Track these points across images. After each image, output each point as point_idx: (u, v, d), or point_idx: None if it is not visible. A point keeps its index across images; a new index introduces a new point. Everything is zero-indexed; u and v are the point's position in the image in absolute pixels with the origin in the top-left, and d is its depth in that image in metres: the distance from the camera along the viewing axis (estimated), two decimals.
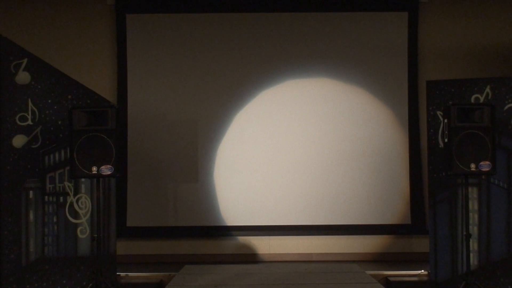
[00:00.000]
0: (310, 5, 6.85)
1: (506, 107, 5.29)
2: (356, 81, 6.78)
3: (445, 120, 4.91)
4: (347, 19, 6.85)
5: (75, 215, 5.21)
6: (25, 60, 5.01)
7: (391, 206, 6.70)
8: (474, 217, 5.27)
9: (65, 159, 5.14)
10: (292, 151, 6.74)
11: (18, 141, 4.99)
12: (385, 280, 5.62)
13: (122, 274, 5.67)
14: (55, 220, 5.13)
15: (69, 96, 5.21)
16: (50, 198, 5.13)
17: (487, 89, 5.32)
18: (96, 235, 4.87)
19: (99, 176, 4.79)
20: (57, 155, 5.14)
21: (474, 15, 6.86)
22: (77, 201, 5.21)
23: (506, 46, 6.82)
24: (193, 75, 6.82)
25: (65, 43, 6.79)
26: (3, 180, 4.87)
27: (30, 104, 5.04)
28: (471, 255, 5.12)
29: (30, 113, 5.03)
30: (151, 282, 5.59)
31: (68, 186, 5.19)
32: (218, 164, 6.74)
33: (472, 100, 5.34)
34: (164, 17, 6.87)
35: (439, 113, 5.33)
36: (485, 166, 4.78)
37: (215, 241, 6.73)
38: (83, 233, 5.22)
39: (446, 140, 4.88)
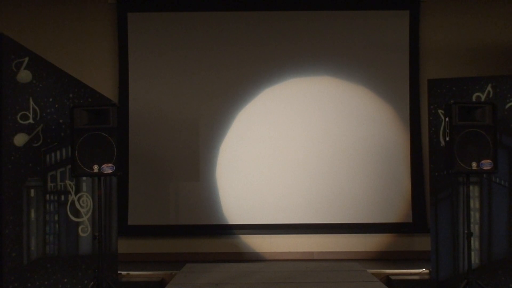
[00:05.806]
0: (312, 4, 6.85)
1: (507, 106, 5.27)
2: (358, 79, 6.78)
3: (447, 119, 4.89)
4: (349, 17, 6.86)
5: (77, 213, 5.21)
6: (27, 59, 5.00)
7: (393, 205, 6.70)
8: (475, 216, 5.26)
9: (66, 158, 5.14)
10: (294, 149, 6.75)
11: (20, 139, 4.97)
12: (387, 279, 5.62)
13: (124, 272, 5.69)
14: (56, 218, 5.13)
15: (71, 95, 5.21)
16: (52, 197, 5.12)
17: (489, 88, 5.31)
18: (97, 234, 4.85)
19: (100, 174, 4.79)
20: (58, 153, 5.14)
21: (476, 13, 6.85)
22: (78, 199, 5.22)
23: (508, 44, 6.81)
24: (195, 73, 6.82)
25: (67, 42, 6.81)
26: (4, 179, 4.86)
27: (31, 102, 5.03)
28: (473, 253, 5.11)
29: (31, 111, 5.03)
30: (152, 280, 5.59)
31: (70, 184, 5.19)
32: (220, 163, 6.74)
33: (474, 98, 5.33)
34: (165, 15, 6.87)
35: (440, 111, 5.32)
36: (487, 164, 4.77)
37: (217, 239, 6.73)
38: (85, 231, 5.22)
39: (447, 138, 4.87)
